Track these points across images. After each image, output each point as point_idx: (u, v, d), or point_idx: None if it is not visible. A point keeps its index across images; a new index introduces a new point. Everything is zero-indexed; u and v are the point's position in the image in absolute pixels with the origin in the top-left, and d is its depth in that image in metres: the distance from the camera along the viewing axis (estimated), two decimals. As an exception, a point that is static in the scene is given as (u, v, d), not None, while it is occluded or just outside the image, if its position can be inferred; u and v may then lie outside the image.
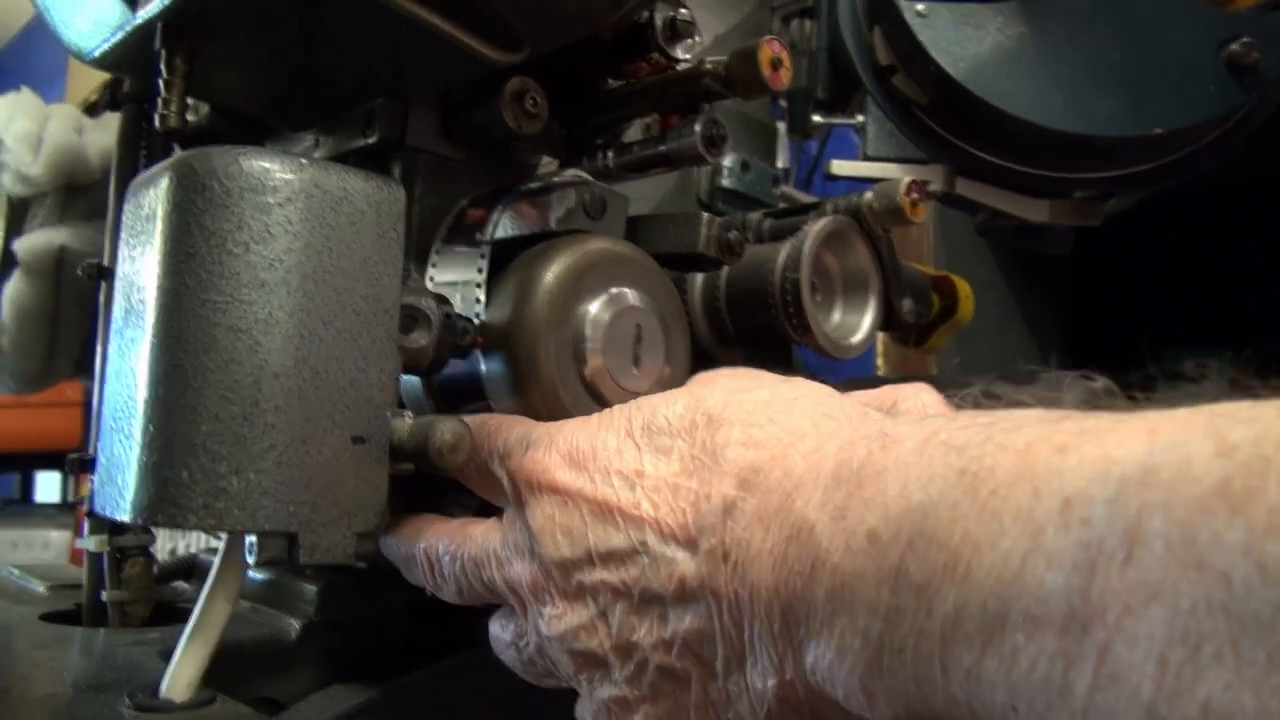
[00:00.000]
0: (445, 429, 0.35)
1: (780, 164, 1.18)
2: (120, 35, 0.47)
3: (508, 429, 0.38)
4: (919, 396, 0.43)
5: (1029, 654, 0.22)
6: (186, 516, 0.31)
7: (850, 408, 0.34)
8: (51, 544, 2.56)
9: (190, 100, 0.57)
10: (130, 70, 0.54)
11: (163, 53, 0.45)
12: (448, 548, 0.39)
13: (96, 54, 0.50)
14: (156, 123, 0.45)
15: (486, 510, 0.40)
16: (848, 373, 0.99)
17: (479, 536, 0.38)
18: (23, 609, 0.53)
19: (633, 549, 0.33)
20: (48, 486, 3.41)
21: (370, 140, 0.50)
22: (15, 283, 0.64)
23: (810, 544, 0.28)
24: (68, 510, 2.88)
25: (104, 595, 0.52)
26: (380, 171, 0.52)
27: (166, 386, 0.32)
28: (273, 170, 0.33)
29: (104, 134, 0.66)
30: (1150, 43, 0.63)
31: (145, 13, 0.45)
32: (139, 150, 0.57)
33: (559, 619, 0.35)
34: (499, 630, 0.39)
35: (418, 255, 0.51)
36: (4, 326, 0.64)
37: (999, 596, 0.23)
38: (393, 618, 0.49)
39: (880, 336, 1.08)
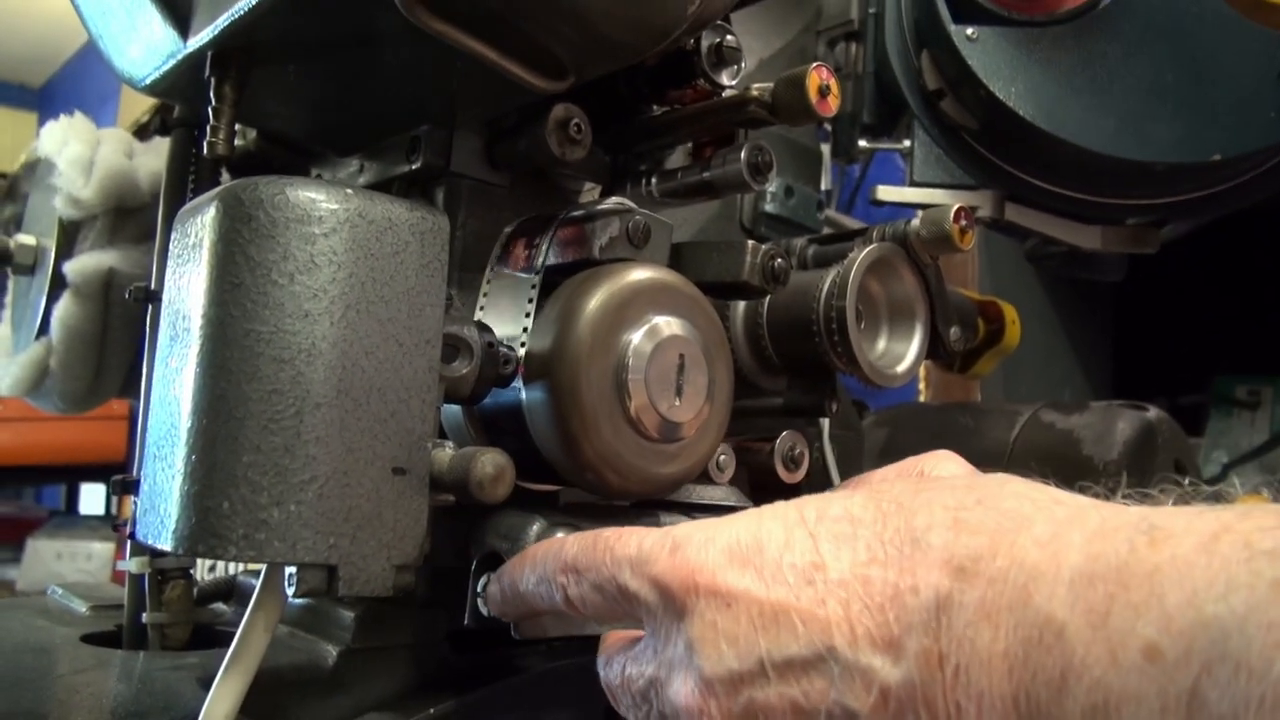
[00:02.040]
0: (486, 461, 0.34)
1: (824, 186, 1.17)
2: (171, 63, 0.48)
3: (636, 535, 0.33)
4: (944, 465, 0.39)
5: None
6: (227, 548, 0.31)
7: (1075, 495, 0.29)
8: (95, 556, 2.61)
9: (238, 126, 0.58)
10: (180, 97, 0.55)
11: (212, 81, 0.45)
12: (619, 674, 0.34)
13: (148, 81, 0.51)
14: (205, 149, 0.45)
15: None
16: (889, 400, 0.97)
17: (639, 657, 0.33)
18: (64, 630, 0.53)
19: (816, 656, 0.27)
20: (92, 499, 3.47)
21: (415, 166, 0.50)
22: (64, 304, 0.65)
23: (1060, 649, 0.24)
24: (112, 523, 2.93)
25: (144, 617, 0.52)
26: (424, 197, 0.53)
27: (209, 416, 0.32)
28: (318, 200, 0.33)
29: (154, 158, 0.67)
30: (1208, 66, 0.62)
31: (195, 42, 0.46)
32: (188, 175, 0.58)
33: None
34: None
35: (460, 281, 0.51)
36: (52, 347, 0.65)
37: None
38: (431, 645, 0.49)
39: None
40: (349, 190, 0.34)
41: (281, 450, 0.32)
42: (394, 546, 0.34)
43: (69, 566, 2.59)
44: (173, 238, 0.37)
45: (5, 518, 3.04)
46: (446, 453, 0.36)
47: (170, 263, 0.37)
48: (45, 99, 5.00)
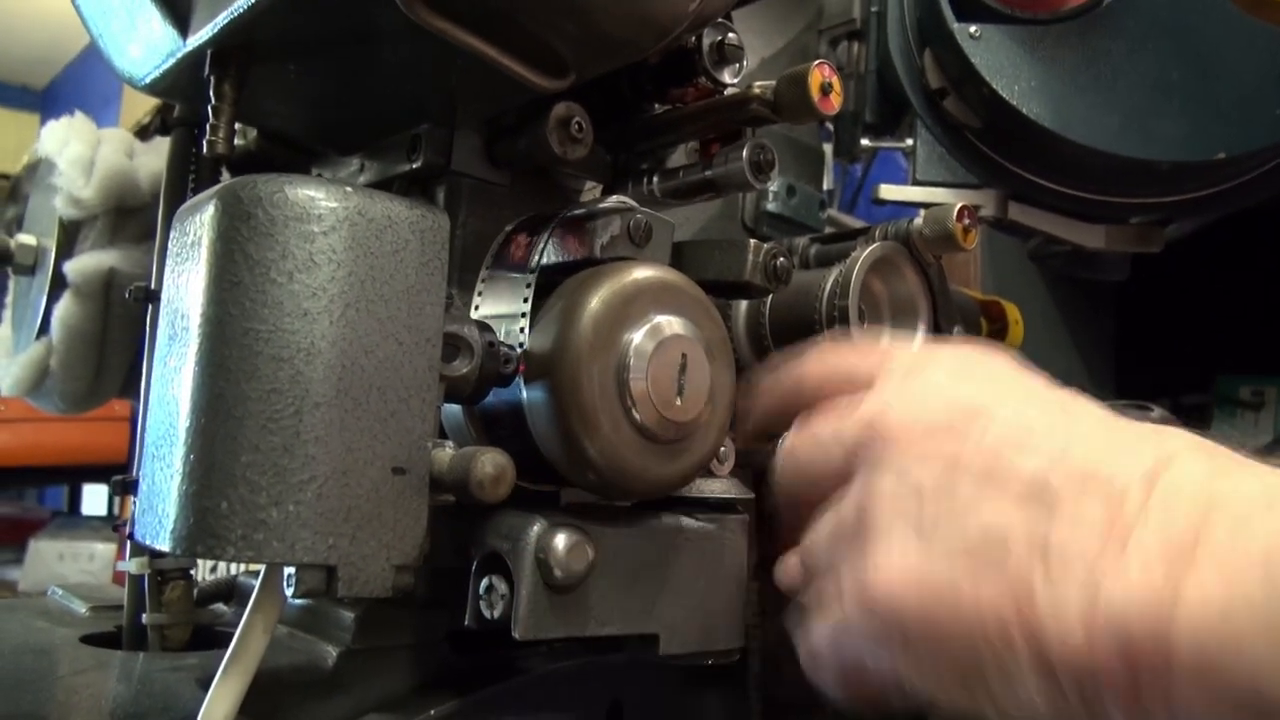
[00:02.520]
0: (487, 461, 0.34)
1: (826, 186, 1.16)
2: (170, 62, 0.48)
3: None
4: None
5: None
6: (225, 548, 0.31)
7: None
8: (97, 556, 2.61)
9: (238, 125, 0.58)
10: (180, 96, 0.55)
11: (211, 79, 0.45)
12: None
13: (147, 80, 0.51)
14: (204, 148, 0.45)
15: None
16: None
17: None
18: (64, 631, 0.53)
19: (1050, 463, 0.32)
20: (94, 499, 3.48)
21: (415, 165, 0.50)
22: (65, 304, 0.64)
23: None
24: (112, 523, 2.93)
25: (144, 618, 0.52)
26: (424, 196, 0.52)
27: (207, 415, 0.32)
28: (317, 198, 0.33)
29: (154, 158, 0.67)
30: (1213, 64, 0.61)
31: (195, 40, 0.45)
32: (188, 174, 0.58)
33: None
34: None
35: (460, 280, 0.51)
36: (53, 347, 0.65)
37: None
38: (432, 645, 0.49)
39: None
40: (348, 188, 0.34)
41: (280, 450, 0.31)
42: (393, 547, 0.34)
43: (71, 567, 2.59)
44: (171, 236, 0.37)
45: (7, 519, 3.04)
46: (447, 452, 0.36)
47: (169, 261, 0.36)
48: (48, 100, 5.01)
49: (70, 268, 0.64)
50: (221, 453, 0.32)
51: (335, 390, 0.33)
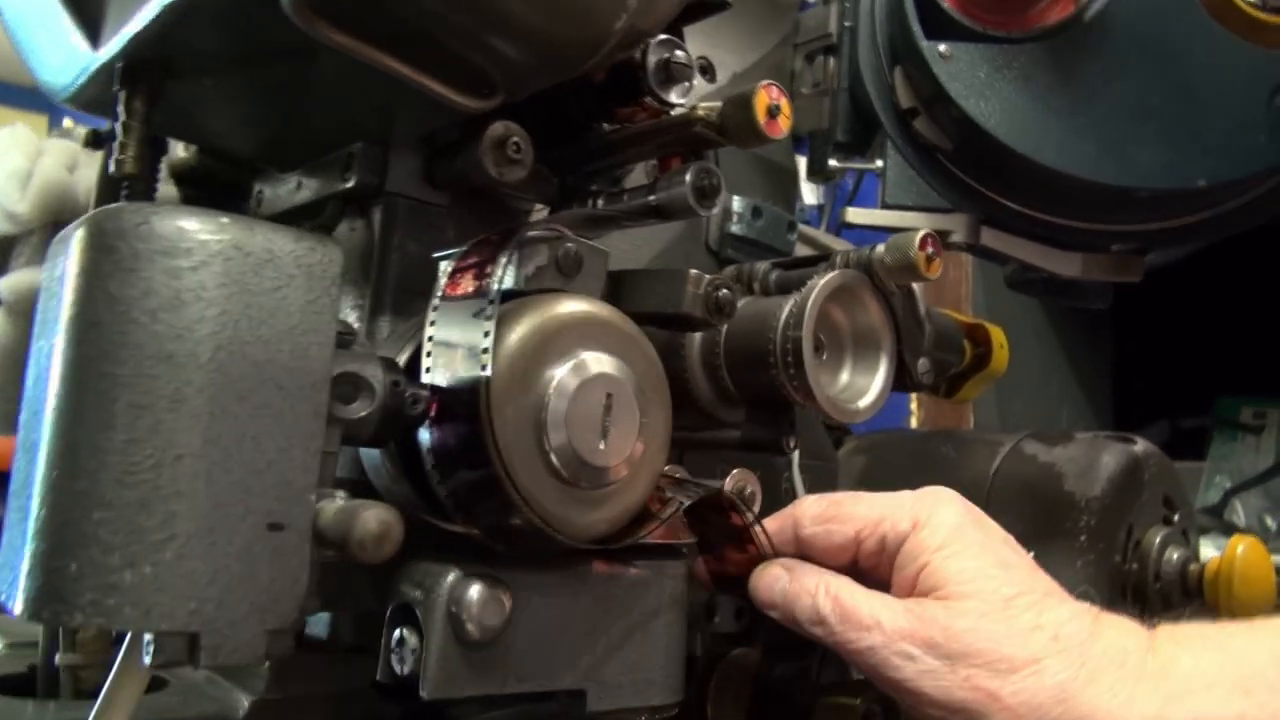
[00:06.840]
0: (370, 517, 0.31)
1: (811, 200, 1.13)
2: (85, 76, 0.45)
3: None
4: (942, 511, 0.45)
5: None
6: (73, 613, 0.28)
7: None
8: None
9: (184, 141, 0.56)
10: (101, 110, 0.53)
11: (121, 94, 0.43)
12: None
13: (67, 93, 0.48)
14: (112, 167, 0.43)
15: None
16: (878, 424, 0.94)
17: None
18: (-28, 672, 0.51)
19: None
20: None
21: (349, 185, 0.48)
22: (-2, 322, 0.62)
23: None
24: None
25: (57, 659, 0.50)
26: (361, 216, 0.50)
27: (60, 468, 0.29)
28: (187, 230, 0.30)
29: (96, 171, 0.65)
30: (1194, 88, 0.59)
31: (105, 52, 0.43)
32: (120, 190, 0.56)
33: None
34: None
35: (394, 306, 0.49)
36: (-15, 367, 0.63)
37: None
38: (356, 694, 0.46)
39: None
40: (224, 219, 0.31)
41: (136, 506, 0.29)
42: (268, 610, 0.31)
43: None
44: (44, 268, 0.34)
45: None
46: (335, 504, 0.33)
47: (40, 296, 0.34)
48: (55, 101, 5.01)
49: (3, 284, 0.62)
50: (74, 509, 0.29)
51: (202, 440, 0.30)
